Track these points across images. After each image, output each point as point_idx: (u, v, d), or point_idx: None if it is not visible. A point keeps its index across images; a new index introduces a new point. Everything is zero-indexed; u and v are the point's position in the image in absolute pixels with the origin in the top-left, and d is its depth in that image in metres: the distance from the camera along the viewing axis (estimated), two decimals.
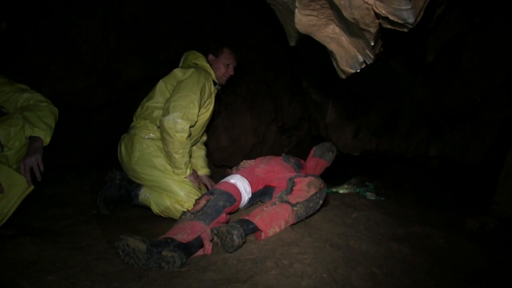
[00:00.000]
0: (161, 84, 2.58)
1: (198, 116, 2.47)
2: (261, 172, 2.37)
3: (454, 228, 2.18)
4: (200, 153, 2.92)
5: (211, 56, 2.74)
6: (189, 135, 2.42)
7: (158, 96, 2.56)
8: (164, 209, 2.39)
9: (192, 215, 1.83)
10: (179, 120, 2.31)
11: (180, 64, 2.76)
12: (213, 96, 2.67)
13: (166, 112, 2.36)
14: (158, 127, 2.49)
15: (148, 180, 2.41)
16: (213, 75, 2.68)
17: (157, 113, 2.52)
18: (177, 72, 2.57)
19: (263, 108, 4.13)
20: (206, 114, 2.64)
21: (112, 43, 3.07)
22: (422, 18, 1.19)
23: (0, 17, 2.51)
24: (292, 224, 1.90)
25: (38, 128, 1.88)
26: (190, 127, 2.40)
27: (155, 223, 2.37)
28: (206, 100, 2.57)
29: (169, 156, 2.39)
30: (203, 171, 2.84)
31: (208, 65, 2.70)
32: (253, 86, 4.16)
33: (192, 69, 2.53)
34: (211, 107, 2.67)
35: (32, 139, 1.87)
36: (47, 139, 1.92)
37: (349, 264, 1.52)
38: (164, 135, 2.34)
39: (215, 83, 2.68)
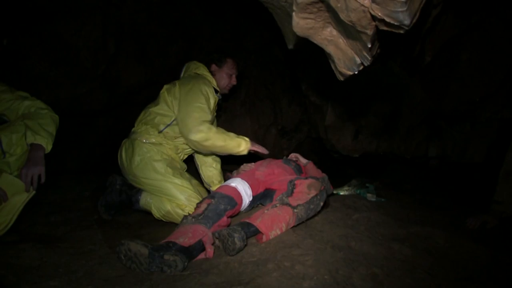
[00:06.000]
0: (164, 93, 2.59)
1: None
2: (261, 175, 2.38)
3: (455, 228, 2.18)
4: (216, 166, 2.96)
5: (214, 66, 2.75)
6: (212, 122, 2.50)
7: (162, 104, 2.58)
8: (165, 214, 2.39)
9: (193, 219, 1.83)
10: (199, 128, 2.34)
11: (182, 75, 2.78)
12: (214, 104, 2.67)
13: (183, 130, 2.39)
14: (159, 132, 2.51)
15: (148, 184, 2.42)
16: (214, 83, 2.69)
17: (159, 119, 2.54)
18: (178, 85, 2.57)
19: (262, 111, 4.14)
20: None
21: (111, 48, 3.08)
22: (418, 20, 1.20)
23: (1, 33, 2.56)
24: (293, 226, 1.90)
25: (40, 135, 1.89)
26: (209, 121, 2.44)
27: (156, 228, 2.37)
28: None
29: (226, 151, 2.46)
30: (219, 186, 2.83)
31: (209, 74, 2.71)
32: (252, 89, 4.18)
33: (192, 80, 2.55)
34: (213, 115, 2.68)
35: (34, 147, 1.87)
36: (48, 147, 1.93)
37: (350, 265, 1.52)
38: (201, 149, 2.44)
39: (216, 91, 2.67)
